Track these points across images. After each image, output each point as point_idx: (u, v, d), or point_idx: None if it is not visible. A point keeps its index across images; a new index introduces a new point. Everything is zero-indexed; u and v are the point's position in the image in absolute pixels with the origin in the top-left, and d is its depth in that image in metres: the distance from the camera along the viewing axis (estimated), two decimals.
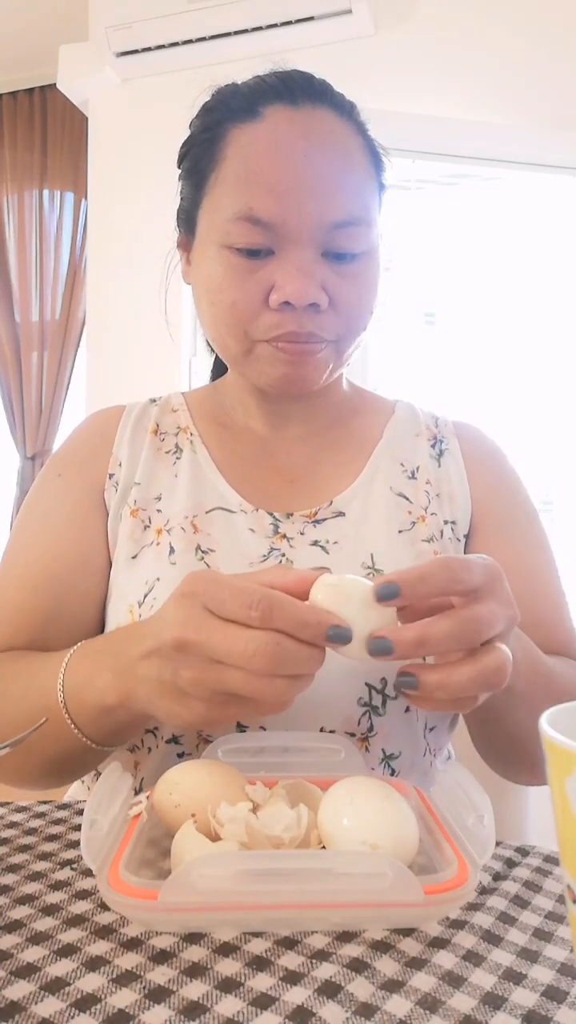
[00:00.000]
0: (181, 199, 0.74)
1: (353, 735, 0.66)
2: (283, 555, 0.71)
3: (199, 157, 0.69)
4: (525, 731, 0.63)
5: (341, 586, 0.47)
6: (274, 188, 0.63)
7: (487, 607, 0.46)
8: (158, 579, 0.69)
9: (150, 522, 0.73)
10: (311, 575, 0.48)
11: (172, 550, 0.71)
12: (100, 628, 0.73)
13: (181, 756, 0.66)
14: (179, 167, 0.73)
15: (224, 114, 0.68)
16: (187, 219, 0.73)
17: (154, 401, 0.83)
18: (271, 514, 0.73)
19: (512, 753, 0.69)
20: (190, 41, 2.18)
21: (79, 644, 0.61)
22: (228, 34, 2.14)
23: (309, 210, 0.63)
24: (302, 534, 0.72)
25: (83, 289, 2.79)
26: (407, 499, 0.75)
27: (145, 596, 0.69)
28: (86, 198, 2.61)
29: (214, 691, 0.46)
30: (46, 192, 2.93)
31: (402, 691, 0.48)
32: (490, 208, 2.23)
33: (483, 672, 0.46)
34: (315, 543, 0.72)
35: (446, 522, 0.76)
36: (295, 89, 0.66)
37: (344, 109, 0.68)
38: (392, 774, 0.67)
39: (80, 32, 2.35)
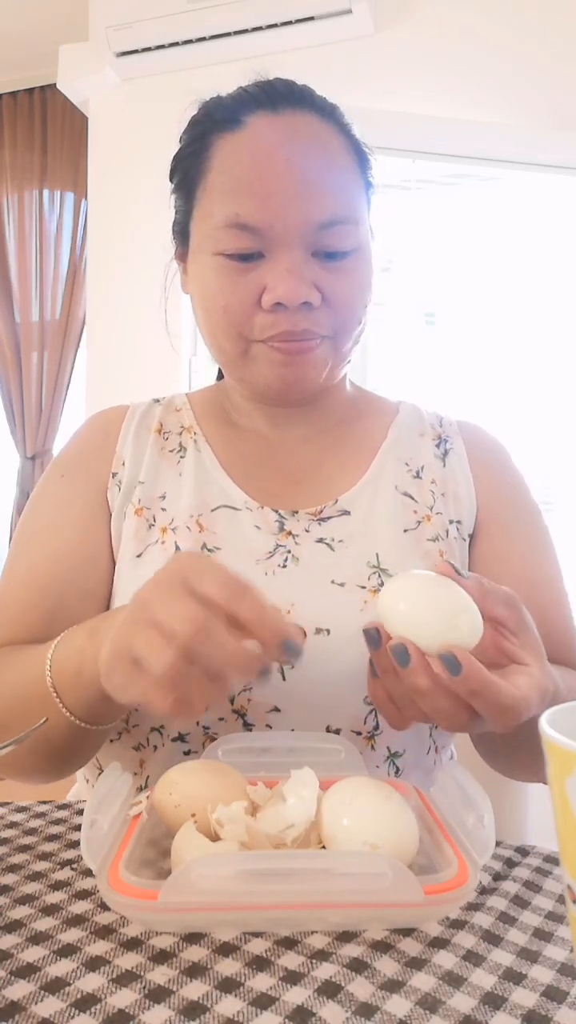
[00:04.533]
0: (175, 212, 0.75)
1: (359, 733, 0.66)
2: (289, 552, 0.71)
3: (187, 169, 0.71)
4: (526, 749, 0.63)
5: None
6: (259, 193, 0.64)
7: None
8: None
9: (155, 521, 0.74)
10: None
11: (178, 549, 0.71)
12: None
13: (187, 754, 0.66)
14: (171, 181, 0.75)
15: (208, 126, 0.69)
16: (181, 231, 0.74)
17: (158, 401, 0.83)
18: (276, 511, 0.73)
19: (512, 762, 0.70)
20: (190, 41, 2.18)
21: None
22: (228, 34, 2.14)
23: (294, 212, 0.64)
24: (307, 531, 0.72)
25: (83, 289, 2.79)
26: (412, 498, 0.76)
27: None
28: (86, 198, 2.61)
29: (128, 649, 0.45)
30: (46, 192, 2.93)
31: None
32: (490, 208, 2.23)
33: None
34: (320, 540, 0.72)
35: (451, 522, 0.76)
36: (275, 96, 0.67)
37: (325, 111, 0.69)
38: (396, 772, 0.68)
39: (80, 32, 2.35)
